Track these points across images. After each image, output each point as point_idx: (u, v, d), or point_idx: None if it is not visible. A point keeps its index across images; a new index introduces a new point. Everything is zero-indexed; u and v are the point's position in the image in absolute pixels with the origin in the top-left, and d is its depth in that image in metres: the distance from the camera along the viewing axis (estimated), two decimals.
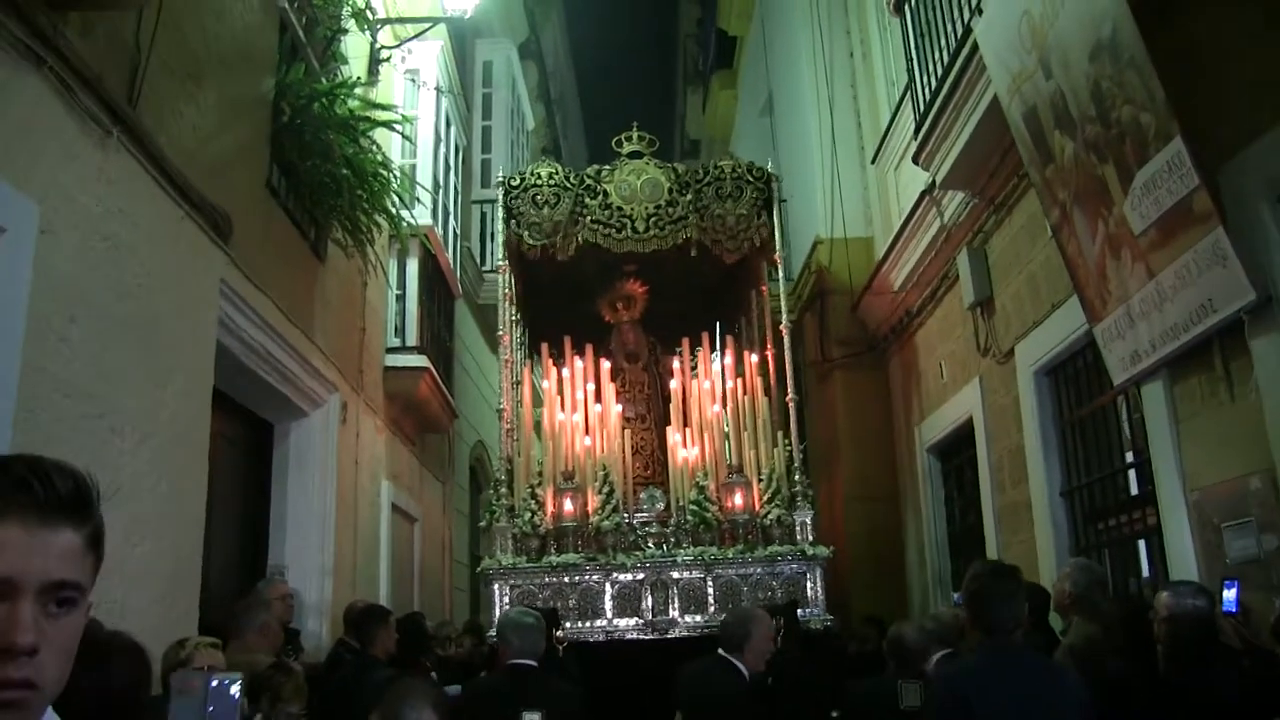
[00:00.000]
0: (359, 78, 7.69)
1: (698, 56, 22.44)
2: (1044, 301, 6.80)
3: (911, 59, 8.01)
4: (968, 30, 6.54)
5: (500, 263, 8.60)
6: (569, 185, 8.57)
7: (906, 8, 8.00)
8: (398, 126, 7.54)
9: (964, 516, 9.11)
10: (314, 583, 7.04)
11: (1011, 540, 7.60)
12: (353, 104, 6.75)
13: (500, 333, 8.57)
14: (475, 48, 14.26)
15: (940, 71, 7.34)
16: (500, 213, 8.59)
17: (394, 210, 7.20)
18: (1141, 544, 6.12)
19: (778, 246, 8.61)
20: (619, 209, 8.53)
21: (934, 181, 7.95)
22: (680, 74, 26.59)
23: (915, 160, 7.97)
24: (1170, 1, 4.95)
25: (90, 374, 3.95)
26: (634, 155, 8.81)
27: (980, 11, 6.21)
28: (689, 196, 8.58)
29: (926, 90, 7.67)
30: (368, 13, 7.68)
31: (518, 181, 8.61)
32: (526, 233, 8.45)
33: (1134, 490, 6.09)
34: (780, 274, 8.92)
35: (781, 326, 8.50)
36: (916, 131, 7.86)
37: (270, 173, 6.16)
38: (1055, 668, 3.93)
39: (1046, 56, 5.51)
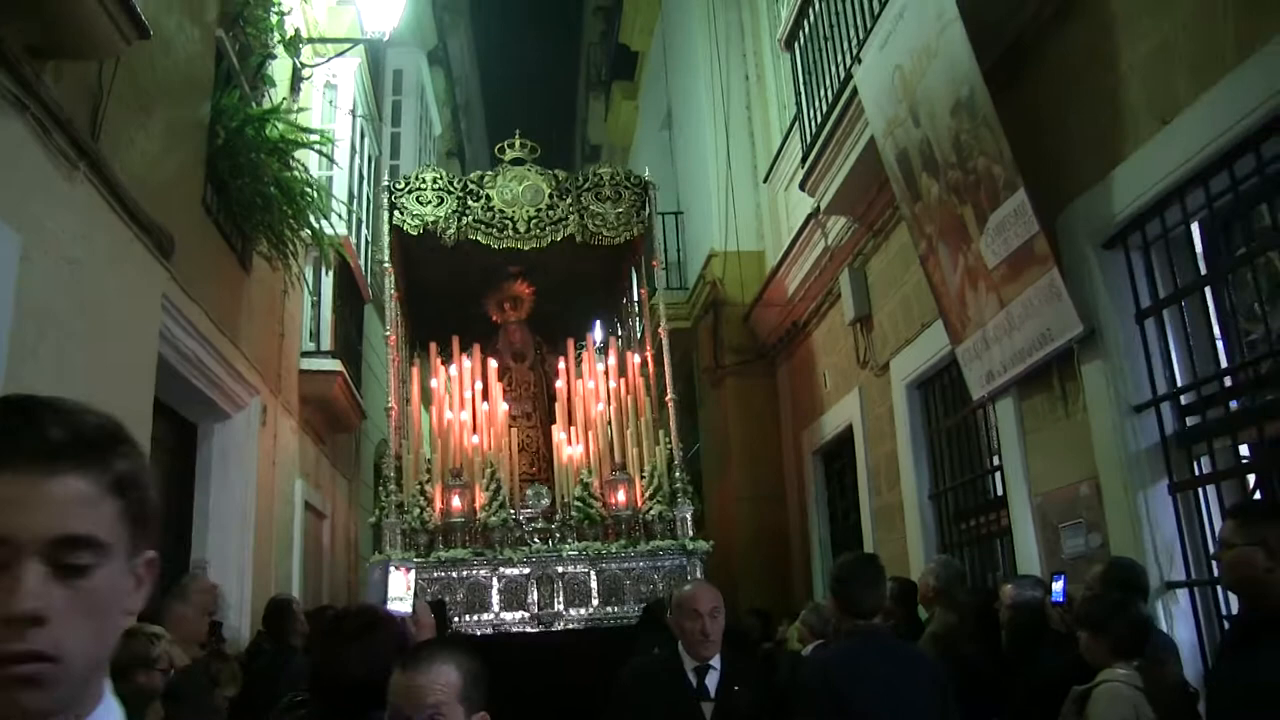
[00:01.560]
0: (285, 99, 8.10)
1: (601, 66, 22.86)
2: (915, 321, 7.48)
3: (799, 92, 8.65)
4: (849, 75, 7.18)
5: (386, 264, 8.75)
6: (452, 189, 8.72)
7: (796, 45, 8.63)
8: (322, 149, 7.93)
9: (845, 516, 9.79)
10: (234, 577, 7.40)
11: (886, 538, 8.30)
12: (281, 127, 7.16)
13: (387, 332, 8.72)
14: (386, 56, 14.59)
15: (825, 107, 7.97)
16: (384, 213, 8.74)
17: (316, 226, 7.61)
18: (999, 542, 6.83)
19: (656, 253, 8.88)
20: (500, 211, 8.68)
21: (819, 207, 8.60)
22: (583, 81, 27.02)
23: (802, 187, 8.61)
24: (1018, 71, 5.66)
25: (52, 384, 4.36)
26: (516, 162, 8.97)
27: (860, 60, 6.84)
28: (568, 201, 8.77)
29: (812, 123, 8.30)
30: (296, 40, 8.07)
31: (402, 185, 8.76)
32: (408, 219, 8.57)
33: (996, 493, 6.76)
34: (661, 279, 8.97)
35: (661, 329, 8.62)
36: (803, 160, 8.50)
37: (205, 191, 6.56)
38: (914, 651, 4.31)
39: (916, 107, 6.16)
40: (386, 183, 8.86)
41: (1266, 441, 4.24)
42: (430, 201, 8.62)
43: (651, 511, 8.03)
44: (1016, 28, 5.66)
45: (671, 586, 7.57)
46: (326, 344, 9.46)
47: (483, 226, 8.64)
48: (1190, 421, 4.73)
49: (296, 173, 7.27)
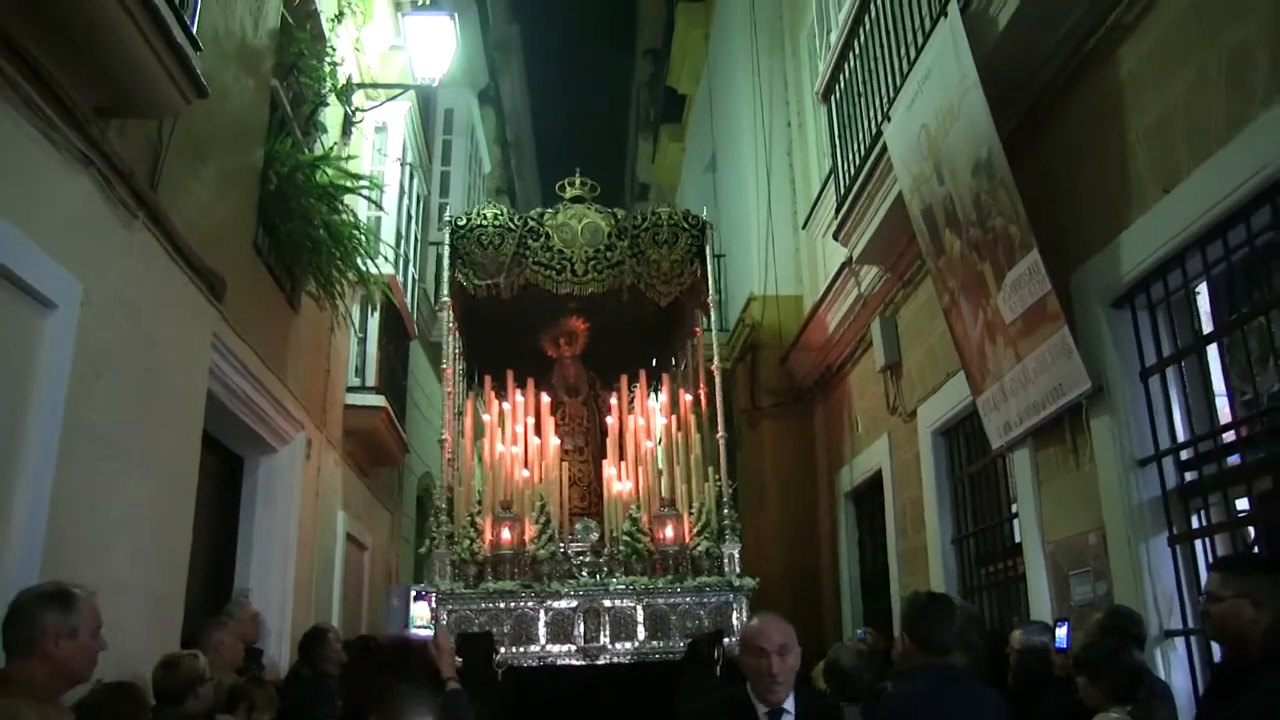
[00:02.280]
0: (335, 143, 8.44)
1: (650, 107, 23.24)
2: (940, 370, 7.66)
3: (835, 144, 8.89)
4: (880, 131, 7.40)
5: (446, 299, 8.75)
6: (513, 227, 8.76)
7: (832, 99, 8.87)
8: (370, 195, 8.25)
9: (874, 558, 9.95)
10: (275, 605, 7.66)
11: (910, 581, 8.44)
12: (331, 173, 7.48)
13: (444, 366, 8.79)
14: (437, 96, 14.91)
15: (858, 161, 8.20)
16: (445, 248, 8.76)
17: (363, 268, 7.92)
18: (1016, 587, 6.96)
19: (710, 292, 8.83)
20: (560, 251, 8.71)
21: (851, 257, 8.81)
22: (633, 121, 27.45)
23: (835, 237, 8.84)
24: (1034, 136, 5.87)
25: (108, 422, 4.66)
26: (576, 200, 9.06)
27: (889, 118, 7.07)
28: (626, 242, 8.80)
29: (846, 175, 8.53)
30: (348, 88, 8.43)
31: (464, 222, 8.83)
32: (471, 272, 8.65)
33: (1015, 540, 6.91)
34: (713, 318, 8.93)
35: (713, 367, 8.66)
36: (837, 211, 8.72)
37: (256, 234, 6.89)
38: (984, 691, 4.18)
39: (940, 165, 6.37)
40: (448, 219, 8.92)
41: (1259, 497, 4.40)
42: (492, 242, 8.70)
43: (699, 547, 8.04)
44: (1032, 95, 5.87)
45: (717, 623, 7.73)
46: (371, 380, 9.77)
47: (541, 269, 8.71)
48: (1189, 476, 4.89)
49: (345, 216, 7.59)
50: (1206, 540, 4.76)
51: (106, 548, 4.59)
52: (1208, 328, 4.88)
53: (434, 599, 4.90)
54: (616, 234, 8.87)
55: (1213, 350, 4.87)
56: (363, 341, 9.80)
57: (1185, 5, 4.60)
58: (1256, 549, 4.61)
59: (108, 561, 4.54)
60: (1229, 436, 4.73)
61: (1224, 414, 4.90)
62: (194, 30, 4.63)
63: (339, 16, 8.50)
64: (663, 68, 19.74)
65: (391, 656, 3.26)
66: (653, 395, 9.61)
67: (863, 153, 8.06)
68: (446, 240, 8.79)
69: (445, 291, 8.79)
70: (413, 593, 4.88)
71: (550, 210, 9.01)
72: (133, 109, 4.59)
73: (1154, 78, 4.84)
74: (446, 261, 8.78)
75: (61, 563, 3.95)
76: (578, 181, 9.18)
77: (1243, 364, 4.51)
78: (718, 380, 8.63)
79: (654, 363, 10.13)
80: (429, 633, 4.68)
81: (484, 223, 8.80)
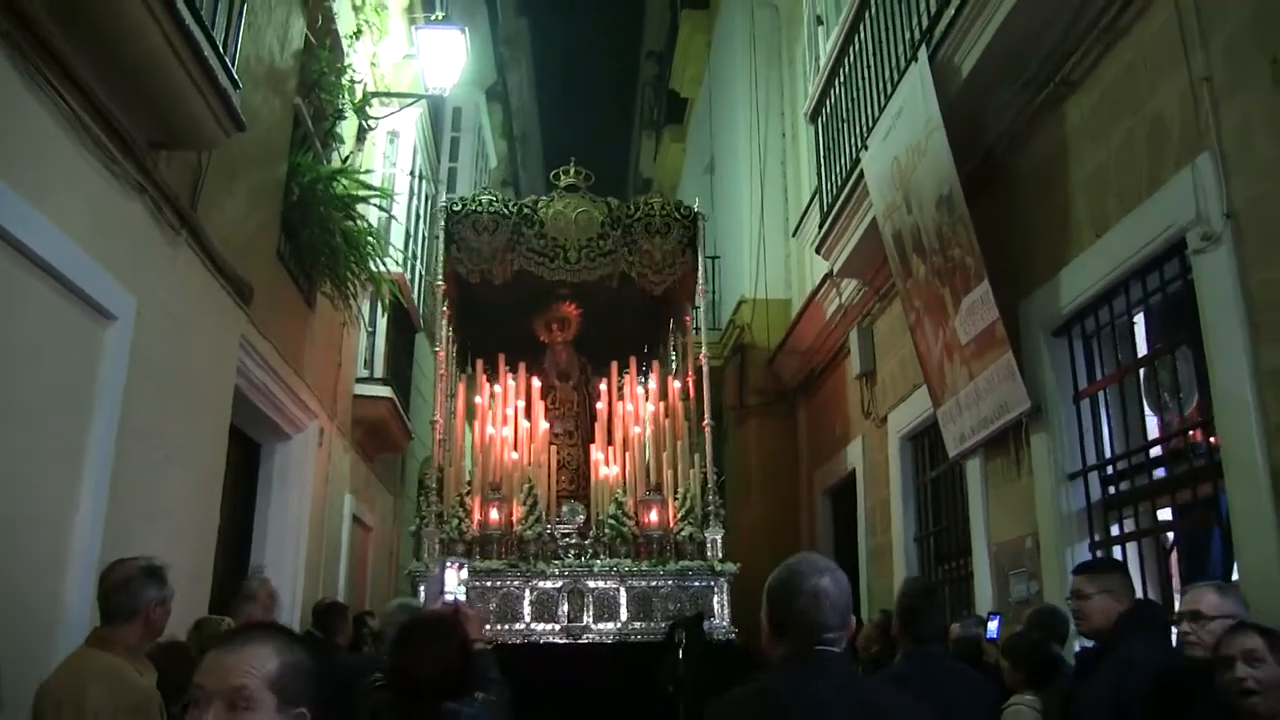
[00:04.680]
0: (352, 152, 9.02)
1: (653, 106, 23.73)
2: (909, 381, 8.24)
3: (820, 163, 9.44)
4: (858, 158, 7.97)
5: (439, 284, 9.19)
6: (507, 214, 9.10)
7: (819, 120, 9.43)
8: (382, 205, 8.82)
9: (848, 554, 10.52)
10: (288, 581, 8.23)
11: (877, 575, 9.06)
12: (346, 183, 8.05)
13: (437, 349, 9.21)
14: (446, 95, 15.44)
15: (840, 180, 8.75)
16: (444, 236, 9.13)
17: (375, 270, 8.49)
18: (969, 583, 7.55)
19: (700, 281, 9.22)
20: (553, 239, 9.03)
21: (833, 269, 9.39)
22: (637, 118, 27.97)
23: (818, 251, 9.39)
24: (993, 175, 6.46)
25: (151, 415, 5.24)
26: (570, 189, 9.39)
27: (866, 147, 7.63)
28: (619, 231, 9.12)
29: (830, 194, 9.08)
30: (365, 101, 9.01)
31: (459, 207, 9.20)
32: (465, 256, 9.01)
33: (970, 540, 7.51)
34: (701, 309, 9.36)
35: (701, 356, 9.02)
36: (820, 226, 9.28)
37: (279, 241, 7.48)
38: (972, 673, 4.44)
39: (909, 196, 6.93)
40: (444, 203, 9.28)
41: (1179, 507, 4.99)
42: (486, 228, 9.03)
43: (682, 532, 8.35)
44: (991, 138, 6.45)
45: (699, 606, 8.08)
46: (379, 371, 10.36)
47: (535, 256, 9.05)
48: (1110, 490, 5.49)
49: (360, 223, 8.17)
50: (1124, 546, 5.35)
51: (152, 530, 5.19)
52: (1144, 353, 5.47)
53: (463, 569, 5.51)
54: (610, 223, 9.19)
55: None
56: (371, 335, 10.38)
57: (1118, 72, 5.16)
58: (1175, 553, 5.23)
59: (153, 542, 5.13)
60: (1155, 451, 5.32)
61: (1156, 433, 5.49)
62: (234, 68, 5.22)
63: (357, 33, 9.08)
64: (666, 69, 20.29)
65: (437, 628, 3.80)
66: (642, 382, 9.91)
67: (844, 174, 8.60)
68: (443, 226, 9.10)
69: (439, 276, 9.12)
70: (449, 563, 5.46)
71: (545, 199, 9.34)
72: (181, 143, 5.19)
73: (1093, 134, 5.41)
74: (441, 245, 9.06)
75: (118, 544, 4.54)
76: (572, 170, 9.50)
77: (1161, 389, 5.08)
78: (705, 370, 8.93)
79: (645, 350, 10.44)
80: (451, 598, 5.15)
81: (479, 208, 9.15)
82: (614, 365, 9.91)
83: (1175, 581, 5.21)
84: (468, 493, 8.58)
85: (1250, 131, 4.12)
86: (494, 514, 8.43)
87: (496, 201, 9.26)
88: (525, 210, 9.21)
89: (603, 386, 9.91)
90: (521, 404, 9.37)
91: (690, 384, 9.28)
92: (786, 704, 2.33)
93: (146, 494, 5.16)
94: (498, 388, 9.46)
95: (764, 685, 2.44)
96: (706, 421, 8.79)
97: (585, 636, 8.09)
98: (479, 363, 9.86)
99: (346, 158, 8.78)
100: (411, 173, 10.51)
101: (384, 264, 8.97)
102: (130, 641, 3.61)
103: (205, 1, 4.90)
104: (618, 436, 9.31)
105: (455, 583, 5.22)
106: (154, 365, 5.18)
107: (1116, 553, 5.38)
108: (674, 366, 10.09)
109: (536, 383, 9.83)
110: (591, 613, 8.14)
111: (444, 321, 9.23)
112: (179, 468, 5.64)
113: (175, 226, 5.35)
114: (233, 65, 5.21)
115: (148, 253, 5.08)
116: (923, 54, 6.44)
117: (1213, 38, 4.38)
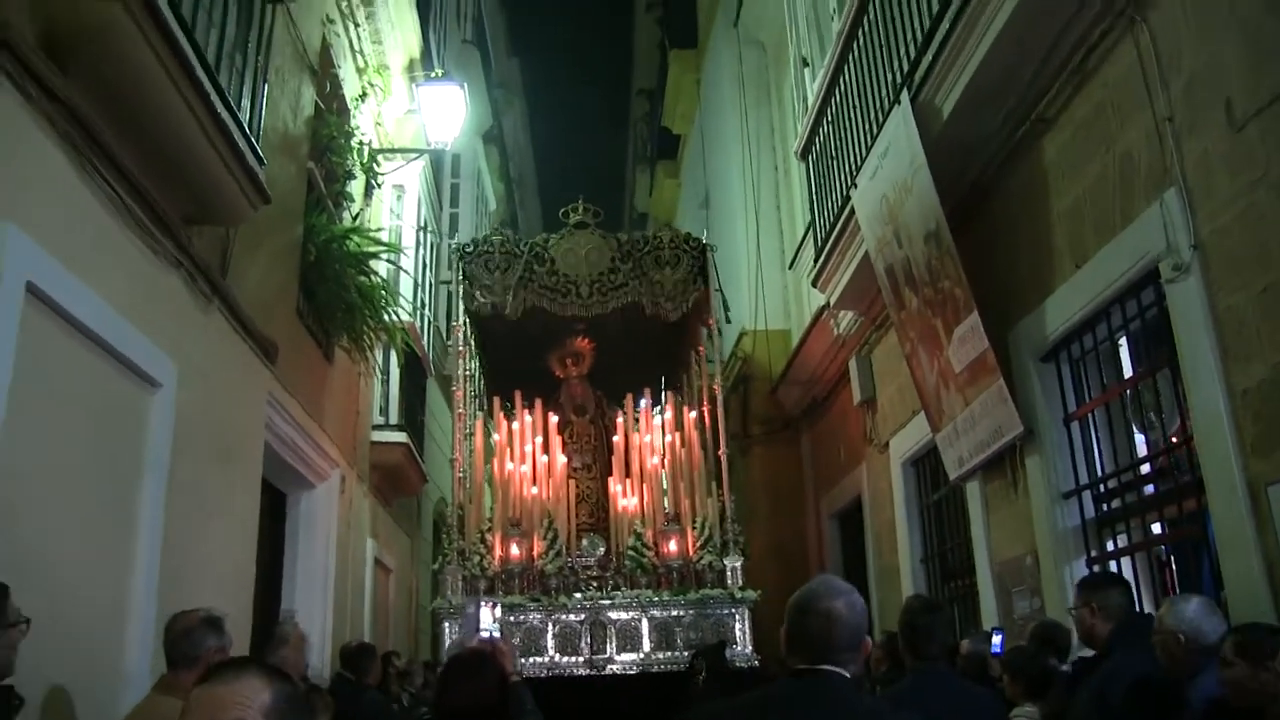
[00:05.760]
0: (361, 209, 9.36)
1: (646, 142, 24.08)
2: (908, 407, 8.53)
3: (812, 199, 9.75)
4: (848, 195, 8.28)
5: (455, 323, 9.33)
6: (519, 253, 9.23)
7: (809, 158, 9.75)
8: (392, 259, 9.16)
9: (856, 576, 10.79)
10: (317, 624, 8.49)
11: (886, 596, 9.33)
12: (358, 239, 8.39)
13: (454, 387, 9.26)
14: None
15: (832, 216, 9.05)
16: (457, 275, 9.27)
17: (389, 322, 8.81)
18: (975, 601, 7.83)
19: (714, 310, 9.38)
20: (565, 275, 9.14)
21: (829, 302, 9.70)
22: (630, 154, 28.37)
23: (814, 284, 9.70)
24: (978, 208, 6.78)
25: (193, 474, 5.55)
26: (580, 226, 9.52)
27: (855, 185, 7.95)
28: (629, 265, 9.22)
29: (823, 229, 9.38)
30: (372, 159, 9.37)
31: (472, 248, 9.34)
32: (479, 293, 9.11)
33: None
34: (715, 338, 9.49)
35: (715, 384, 9.20)
36: (815, 259, 9.59)
37: (298, 300, 7.80)
38: (976, 688, 4.57)
39: (899, 231, 7.24)
40: (455, 244, 9.48)
41: (1169, 521, 5.28)
42: (499, 266, 9.17)
43: (702, 561, 8.43)
44: (974, 173, 6.78)
45: (720, 634, 8.15)
46: (394, 418, 10.67)
47: (547, 292, 9.17)
48: (1108, 506, 5.78)
49: (373, 278, 8.49)
50: (1118, 561, 5.65)
51: (199, 580, 5.49)
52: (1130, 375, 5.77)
53: (496, 608, 5.81)
54: (620, 257, 9.33)
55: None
56: (385, 383, 10.69)
57: (1089, 110, 5.49)
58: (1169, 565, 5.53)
59: (201, 591, 5.43)
60: (1145, 469, 5.61)
61: (1144, 451, 5.79)
62: (258, 145, 5.55)
63: (362, 95, 9.45)
64: (658, 106, 20.67)
65: (476, 663, 4.09)
66: (657, 413, 10.09)
67: (836, 210, 8.89)
68: (456, 265, 9.28)
69: (459, 315, 9.31)
70: (483, 602, 5.76)
71: (555, 236, 9.50)
72: (212, 218, 5.52)
73: (1069, 168, 5.73)
74: (456, 285, 9.25)
75: (169, 595, 4.84)
76: (581, 208, 9.66)
77: (1146, 410, 5.39)
78: (719, 397, 9.13)
79: (663, 381, 10.66)
80: (488, 634, 5.39)
81: (490, 249, 9.32)
82: (629, 397, 10.03)
83: (1174, 593, 5.50)
84: (488, 529, 8.71)
85: (1211, 168, 4.45)
86: (515, 549, 8.54)
87: (508, 241, 9.43)
88: (536, 248, 9.36)
89: (619, 419, 10.02)
90: (540, 439, 9.49)
91: (705, 413, 9.38)
92: (779, 709, 2.55)
93: (193, 547, 5.47)
94: (515, 425, 9.60)
95: (766, 690, 2.73)
96: (723, 449, 8.91)
97: (609, 668, 8.17)
98: (496, 400, 10.02)
99: (356, 215, 9.12)
100: (418, 227, 10.84)
101: (396, 314, 9.28)
102: (192, 686, 3.90)
103: (232, 82, 5.24)
104: (635, 468, 9.39)
105: (490, 620, 5.53)
106: (193, 425, 5.49)
107: (1113, 568, 5.66)
108: (688, 395, 10.17)
109: (554, 418, 9.94)
110: (614, 644, 8.22)
111: (460, 361, 9.35)
112: (219, 520, 5.95)
113: (208, 295, 5.67)
114: (257, 143, 5.54)
115: (185, 321, 5.40)
116: (904, 97, 6.75)
117: (1173, 80, 4.71)
